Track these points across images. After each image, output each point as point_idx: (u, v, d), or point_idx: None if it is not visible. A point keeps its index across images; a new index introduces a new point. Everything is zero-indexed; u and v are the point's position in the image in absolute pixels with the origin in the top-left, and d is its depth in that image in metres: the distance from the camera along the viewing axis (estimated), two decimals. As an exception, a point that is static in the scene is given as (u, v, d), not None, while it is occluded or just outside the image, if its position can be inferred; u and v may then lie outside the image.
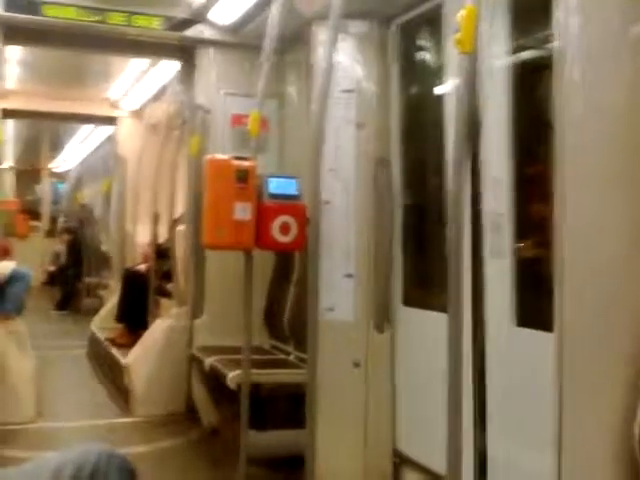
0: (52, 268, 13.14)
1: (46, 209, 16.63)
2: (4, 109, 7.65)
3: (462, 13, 2.52)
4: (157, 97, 7.46)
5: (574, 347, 2.25)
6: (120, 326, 7.02)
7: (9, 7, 2.51)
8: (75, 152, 13.74)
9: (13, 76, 7.17)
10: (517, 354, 3.11)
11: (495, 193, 3.17)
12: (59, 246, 13.07)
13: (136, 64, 6.90)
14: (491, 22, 2.91)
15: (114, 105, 8.80)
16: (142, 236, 7.67)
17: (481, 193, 3.13)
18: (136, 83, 7.58)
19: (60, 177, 16.89)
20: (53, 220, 15.96)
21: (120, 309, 7.11)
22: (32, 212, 15.51)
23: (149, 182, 6.90)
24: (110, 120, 9.18)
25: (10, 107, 7.95)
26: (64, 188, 16.59)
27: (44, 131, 13.41)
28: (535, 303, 3.18)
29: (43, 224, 16.28)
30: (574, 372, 2.26)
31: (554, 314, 2.36)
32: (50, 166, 16.54)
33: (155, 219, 6.66)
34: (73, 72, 7.09)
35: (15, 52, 6.19)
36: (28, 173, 16.47)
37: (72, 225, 13.04)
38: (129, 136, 8.87)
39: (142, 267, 7.19)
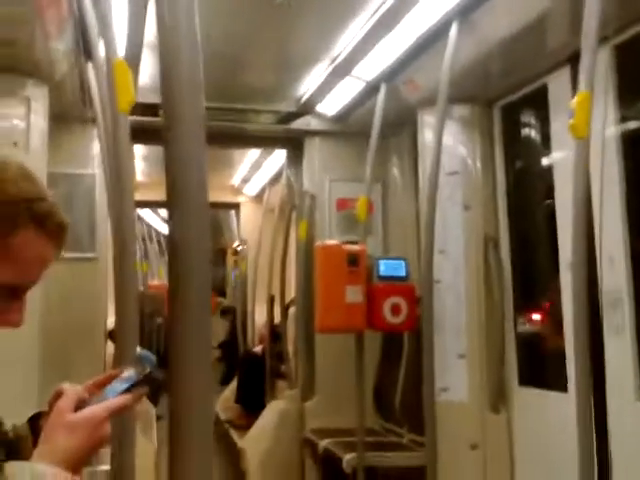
0: (214, 344, 13.51)
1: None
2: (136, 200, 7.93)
3: (576, 99, 2.52)
4: (274, 182, 7.73)
5: None
6: (239, 406, 7.16)
7: (133, 111, 2.73)
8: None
9: (137, 170, 7.54)
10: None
11: (612, 269, 3.13)
12: (226, 323, 13.55)
13: (253, 152, 7.22)
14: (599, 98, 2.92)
15: (237, 191, 9.15)
16: (259, 317, 7.88)
17: (598, 269, 3.10)
18: (255, 170, 7.92)
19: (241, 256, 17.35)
20: None
21: (238, 391, 7.29)
22: (218, 289, 15.96)
23: (266, 264, 7.12)
24: (234, 206, 9.56)
25: (140, 198, 8.29)
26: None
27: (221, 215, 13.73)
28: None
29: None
30: None
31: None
32: (234, 246, 17.02)
33: (270, 300, 6.83)
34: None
35: (138, 149, 6.56)
36: (214, 252, 16.92)
37: (230, 305, 13.48)
38: (250, 220, 9.21)
39: (258, 349, 7.38)
